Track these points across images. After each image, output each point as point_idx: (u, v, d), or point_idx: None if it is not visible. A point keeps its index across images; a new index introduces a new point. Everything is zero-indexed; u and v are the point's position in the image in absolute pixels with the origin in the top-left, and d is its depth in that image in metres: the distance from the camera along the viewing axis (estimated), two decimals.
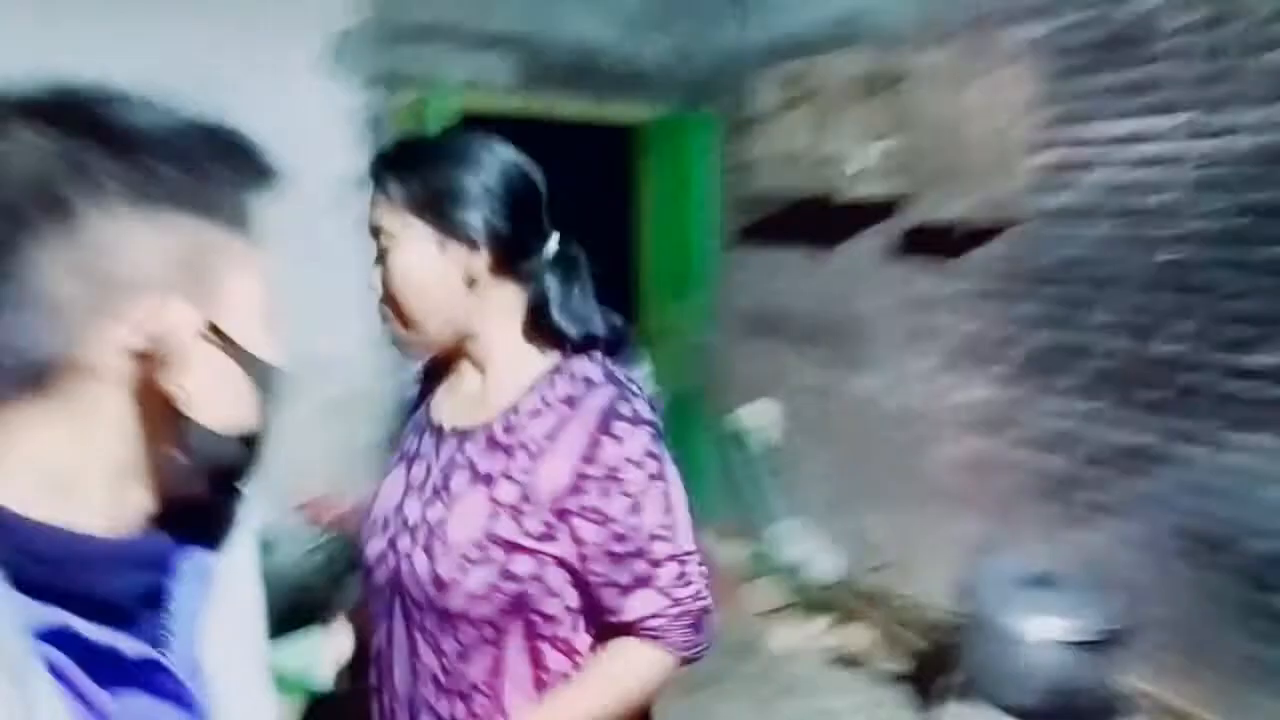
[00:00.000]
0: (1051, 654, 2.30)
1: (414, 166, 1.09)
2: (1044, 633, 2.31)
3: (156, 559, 0.60)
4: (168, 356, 0.55)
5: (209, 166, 0.58)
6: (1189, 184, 2.43)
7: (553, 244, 1.13)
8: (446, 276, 1.07)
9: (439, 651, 1.04)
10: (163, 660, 0.58)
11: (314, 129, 3.51)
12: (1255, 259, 2.32)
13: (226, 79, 2.97)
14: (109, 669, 0.54)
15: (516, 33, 3.92)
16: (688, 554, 1.08)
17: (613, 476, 1.01)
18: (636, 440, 1.03)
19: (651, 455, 1.04)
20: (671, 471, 1.08)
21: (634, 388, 1.09)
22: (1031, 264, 2.86)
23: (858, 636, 3.31)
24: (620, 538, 1.02)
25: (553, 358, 1.10)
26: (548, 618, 1.04)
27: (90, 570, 0.54)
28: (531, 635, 1.04)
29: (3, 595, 0.50)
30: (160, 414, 0.56)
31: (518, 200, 1.08)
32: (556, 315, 1.10)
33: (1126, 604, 2.44)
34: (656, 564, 1.04)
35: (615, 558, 1.02)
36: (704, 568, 1.10)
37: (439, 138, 1.17)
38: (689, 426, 4.18)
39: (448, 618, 1.02)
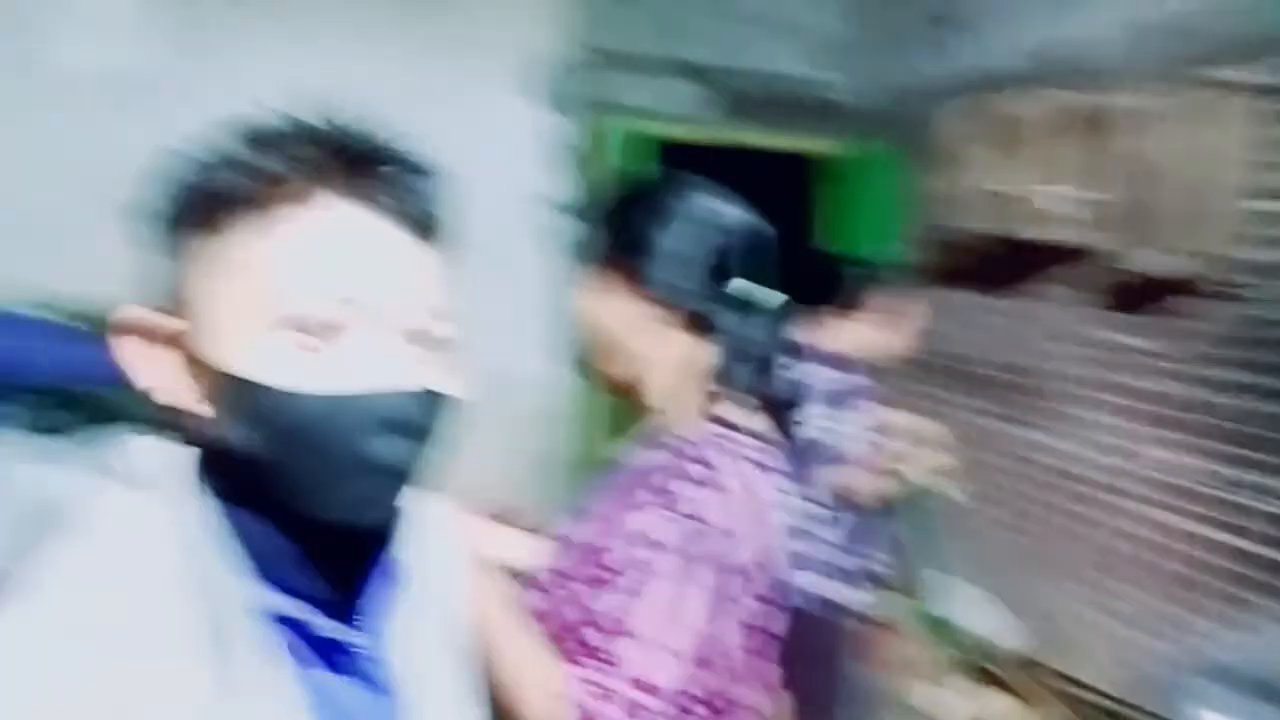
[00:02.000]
0: None
1: (609, 213, 1.11)
2: None
3: (336, 569, 0.62)
4: (181, 367, 0.60)
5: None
6: None
7: (740, 293, 1.08)
8: (614, 323, 1.08)
9: None
10: (351, 640, 0.62)
11: (508, 149, 3.72)
12: None
13: (430, 96, 3.25)
14: (303, 645, 0.60)
15: (708, 62, 4.01)
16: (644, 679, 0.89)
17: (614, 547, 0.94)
18: (658, 515, 0.93)
19: (670, 538, 0.91)
20: (705, 575, 0.91)
21: (759, 455, 1.03)
22: (1239, 324, 2.62)
23: (1009, 707, 3.12)
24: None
25: (709, 409, 1.06)
26: None
27: (294, 570, 0.59)
28: None
29: (230, 580, 0.57)
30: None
31: (706, 253, 1.06)
32: (720, 368, 1.06)
33: None
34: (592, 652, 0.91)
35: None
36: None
37: (633, 183, 1.17)
38: None
39: None
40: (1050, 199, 3.04)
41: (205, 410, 0.58)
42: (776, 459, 1.07)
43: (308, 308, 0.55)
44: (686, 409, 1.06)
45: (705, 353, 1.07)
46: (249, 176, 0.56)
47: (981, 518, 3.53)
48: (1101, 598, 3.05)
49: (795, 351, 1.13)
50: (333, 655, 0.62)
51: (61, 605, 0.52)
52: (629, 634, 0.89)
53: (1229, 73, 2.59)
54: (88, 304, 3.20)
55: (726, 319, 1.07)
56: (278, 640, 0.58)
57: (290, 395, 0.54)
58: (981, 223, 3.30)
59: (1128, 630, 2.92)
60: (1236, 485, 2.62)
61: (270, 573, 0.59)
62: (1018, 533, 3.40)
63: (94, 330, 3.21)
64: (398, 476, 0.58)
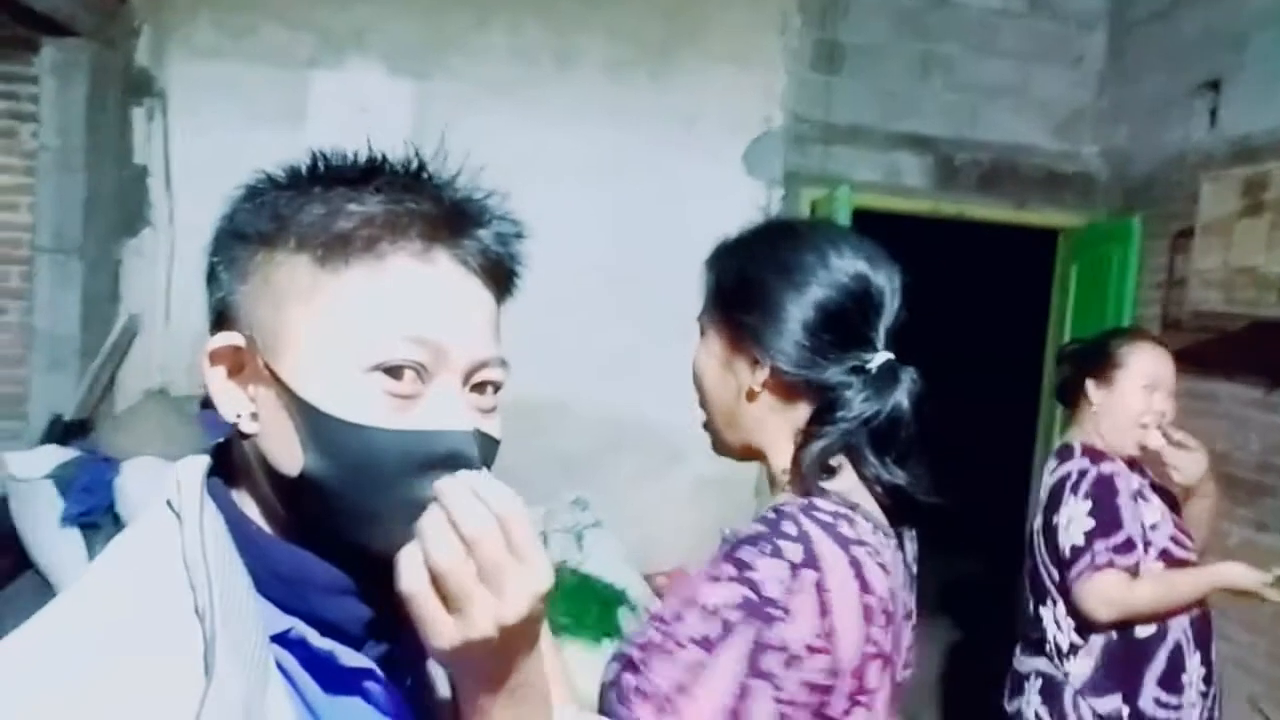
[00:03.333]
0: None
1: (725, 260, 1.02)
2: None
3: (365, 591, 0.61)
4: (240, 386, 0.61)
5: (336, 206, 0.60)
6: None
7: (875, 365, 0.96)
8: (723, 383, 1.00)
9: None
10: (378, 672, 0.62)
11: (730, 222, 3.78)
12: None
13: (658, 169, 3.40)
14: (328, 674, 0.60)
15: (932, 134, 3.90)
16: None
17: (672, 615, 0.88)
18: (725, 587, 0.87)
19: (730, 610, 0.85)
20: (739, 643, 0.84)
21: (868, 538, 0.92)
22: None
23: None
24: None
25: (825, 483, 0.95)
26: None
27: (320, 594, 0.60)
28: None
29: (253, 601, 0.58)
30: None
31: (826, 316, 0.95)
32: (821, 450, 0.94)
33: None
34: None
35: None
36: None
37: (762, 230, 1.06)
38: None
39: None
40: None
41: (279, 437, 0.59)
42: (889, 546, 0.96)
43: (407, 355, 0.57)
44: (803, 481, 0.95)
45: (828, 427, 0.95)
46: (362, 220, 0.58)
47: (1236, 644, 3.07)
48: None
49: (923, 430, 0.98)
50: (360, 683, 0.62)
51: (79, 623, 0.54)
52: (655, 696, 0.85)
53: None
54: None
55: (857, 392, 0.95)
56: (299, 668, 0.59)
57: (378, 432, 0.56)
58: (1237, 303, 2.93)
59: None
60: None
61: (300, 600, 0.60)
62: (1256, 655, 2.92)
63: None
64: None
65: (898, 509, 0.98)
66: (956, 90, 3.89)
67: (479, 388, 0.62)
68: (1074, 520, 1.90)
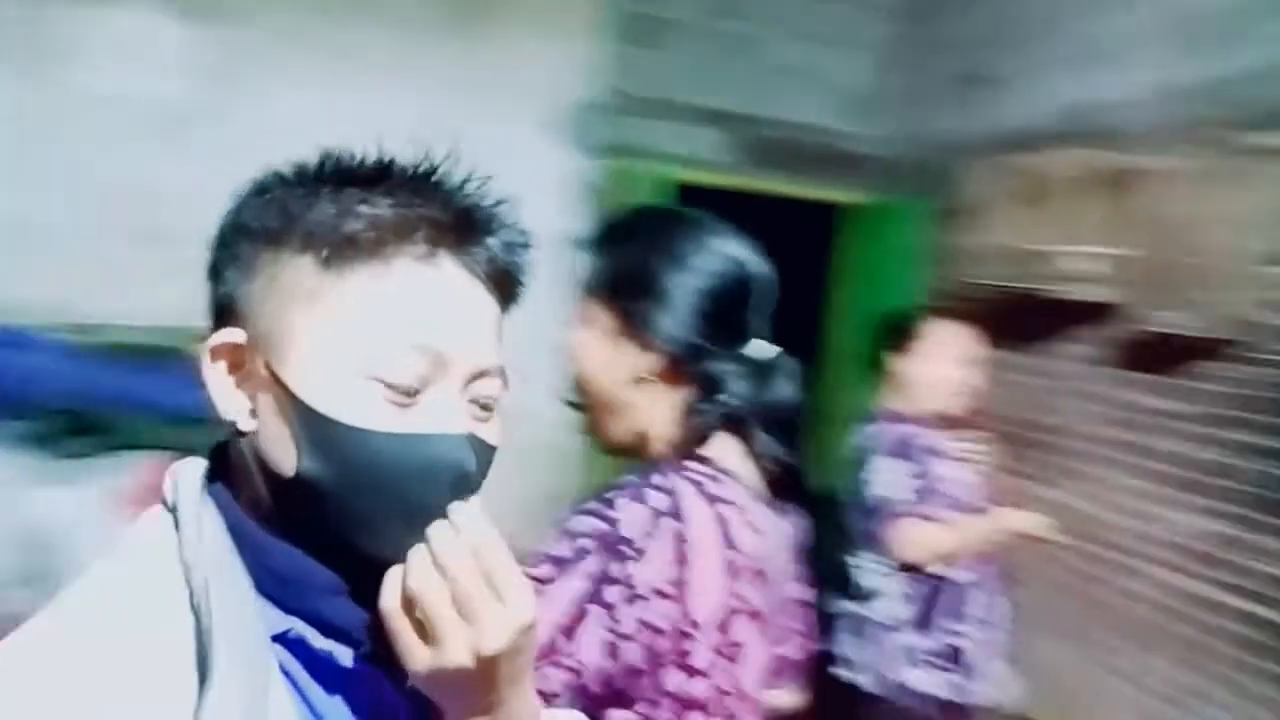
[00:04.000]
0: None
1: (610, 246, 1.03)
2: None
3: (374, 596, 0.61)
4: (239, 383, 0.61)
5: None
6: None
7: (754, 352, 1.00)
8: (612, 370, 0.99)
9: None
10: (379, 673, 0.62)
11: (533, 190, 3.76)
12: None
13: (461, 136, 3.30)
14: (329, 674, 0.61)
15: (736, 111, 4.06)
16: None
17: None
18: (587, 520, 0.91)
19: (586, 539, 0.90)
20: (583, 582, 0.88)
21: (740, 500, 0.96)
22: (1261, 387, 2.59)
23: None
24: None
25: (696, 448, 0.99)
26: None
27: (319, 595, 0.60)
28: None
29: (252, 600, 0.58)
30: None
31: (714, 302, 0.98)
32: (700, 424, 0.97)
33: None
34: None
35: None
36: None
37: (644, 216, 1.08)
38: None
39: None
40: (1074, 257, 3.04)
41: (277, 437, 0.59)
42: (765, 513, 1.00)
43: (409, 364, 0.57)
44: (678, 449, 0.98)
45: (704, 409, 0.98)
46: (370, 223, 0.58)
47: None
48: (1114, 660, 2.98)
49: (800, 410, 1.03)
50: (362, 684, 0.62)
51: (78, 622, 0.54)
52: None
53: (1255, 138, 2.59)
54: (107, 326, 3.28)
55: (733, 375, 0.98)
56: (300, 667, 0.59)
57: (373, 435, 0.56)
58: (1005, 279, 3.29)
59: (1139, 695, 2.85)
60: (1256, 551, 2.57)
61: (300, 600, 0.60)
62: (1033, 594, 3.33)
63: (106, 352, 3.27)
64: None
65: (784, 486, 1.03)
66: (759, 69, 4.07)
67: (477, 402, 0.62)
68: (881, 475, 2.15)
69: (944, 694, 2.14)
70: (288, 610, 0.60)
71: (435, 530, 0.56)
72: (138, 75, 3.31)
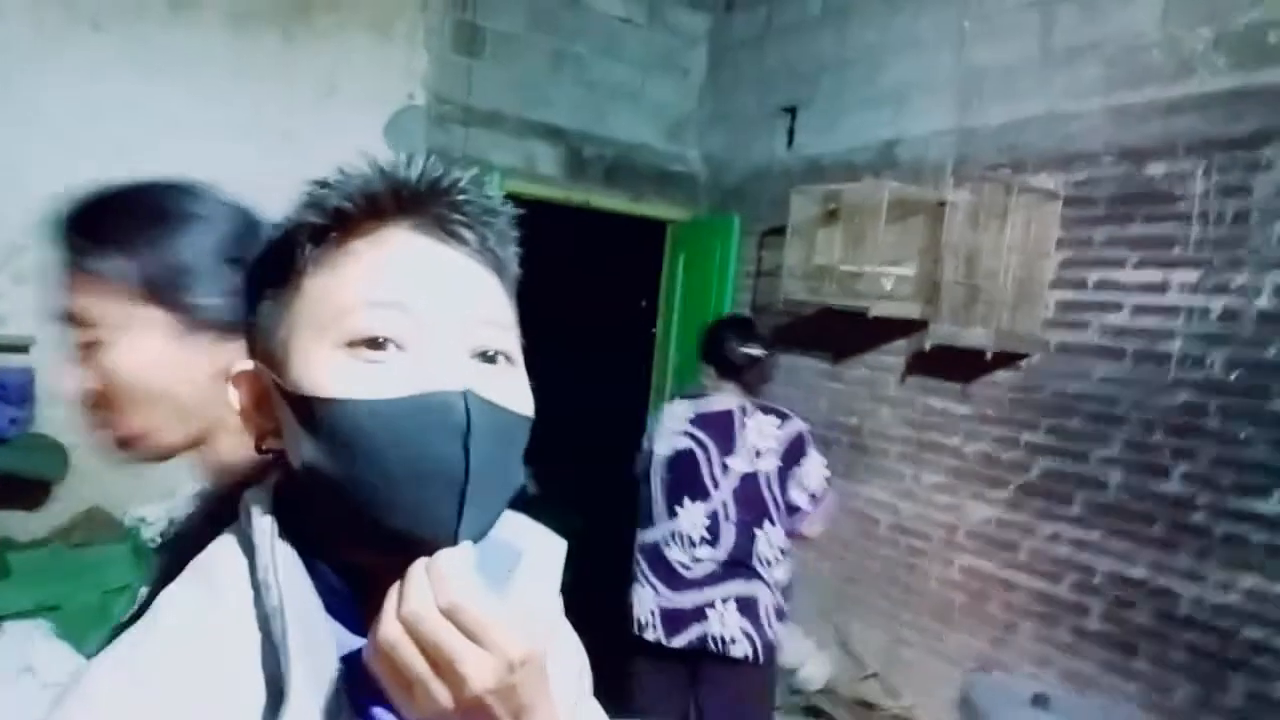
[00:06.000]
0: None
1: (130, 232, 0.85)
2: None
3: None
4: (258, 408, 0.64)
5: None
6: (1201, 336, 2.61)
7: None
8: (189, 372, 0.85)
9: None
10: None
11: None
12: (1265, 411, 2.47)
13: (297, 139, 3.24)
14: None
15: (564, 127, 4.14)
16: None
17: None
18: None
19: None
20: None
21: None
22: (1043, 394, 3.02)
23: None
24: None
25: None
26: None
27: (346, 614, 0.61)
28: None
29: (324, 621, 0.59)
30: None
31: (261, 260, 0.84)
32: None
33: None
34: None
35: None
36: None
37: (139, 190, 0.89)
38: None
39: None
40: (880, 277, 3.38)
41: (290, 444, 0.60)
42: None
43: (372, 321, 0.57)
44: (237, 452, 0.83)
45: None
46: (324, 217, 0.59)
47: (812, 565, 3.78)
48: (925, 639, 3.34)
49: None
50: None
51: (157, 646, 0.56)
52: None
53: (1047, 178, 3.02)
54: None
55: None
56: (358, 681, 0.59)
57: (352, 402, 0.55)
58: (821, 295, 3.60)
59: (949, 668, 3.22)
60: (1038, 534, 2.99)
61: (361, 619, 0.60)
62: (847, 580, 3.67)
63: None
64: (457, 483, 0.56)
65: None
66: (585, 87, 4.17)
67: (486, 357, 0.61)
68: (817, 466, 2.51)
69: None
70: (358, 632, 0.60)
71: (407, 584, 0.54)
72: None
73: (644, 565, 2.53)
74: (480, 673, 0.52)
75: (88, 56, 3.16)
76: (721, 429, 2.49)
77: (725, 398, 2.53)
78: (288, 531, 0.61)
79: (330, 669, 0.56)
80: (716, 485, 2.46)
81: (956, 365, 3.26)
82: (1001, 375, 3.16)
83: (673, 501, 2.49)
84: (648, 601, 2.49)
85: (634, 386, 4.86)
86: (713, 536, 2.44)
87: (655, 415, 2.69)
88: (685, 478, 2.49)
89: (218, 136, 3.27)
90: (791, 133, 4.07)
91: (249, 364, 0.63)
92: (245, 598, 0.58)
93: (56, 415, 3.05)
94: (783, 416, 2.52)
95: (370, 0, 3.64)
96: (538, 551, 0.64)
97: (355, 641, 0.59)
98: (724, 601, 2.43)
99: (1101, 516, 2.82)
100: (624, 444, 4.65)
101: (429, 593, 0.53)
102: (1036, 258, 3.03)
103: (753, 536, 2.45)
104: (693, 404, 2.55)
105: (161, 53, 3.28)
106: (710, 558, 2.44)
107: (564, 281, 5.48)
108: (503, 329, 0.62)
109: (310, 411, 0.56)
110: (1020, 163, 3.11)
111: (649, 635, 2.48)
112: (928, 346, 3.35)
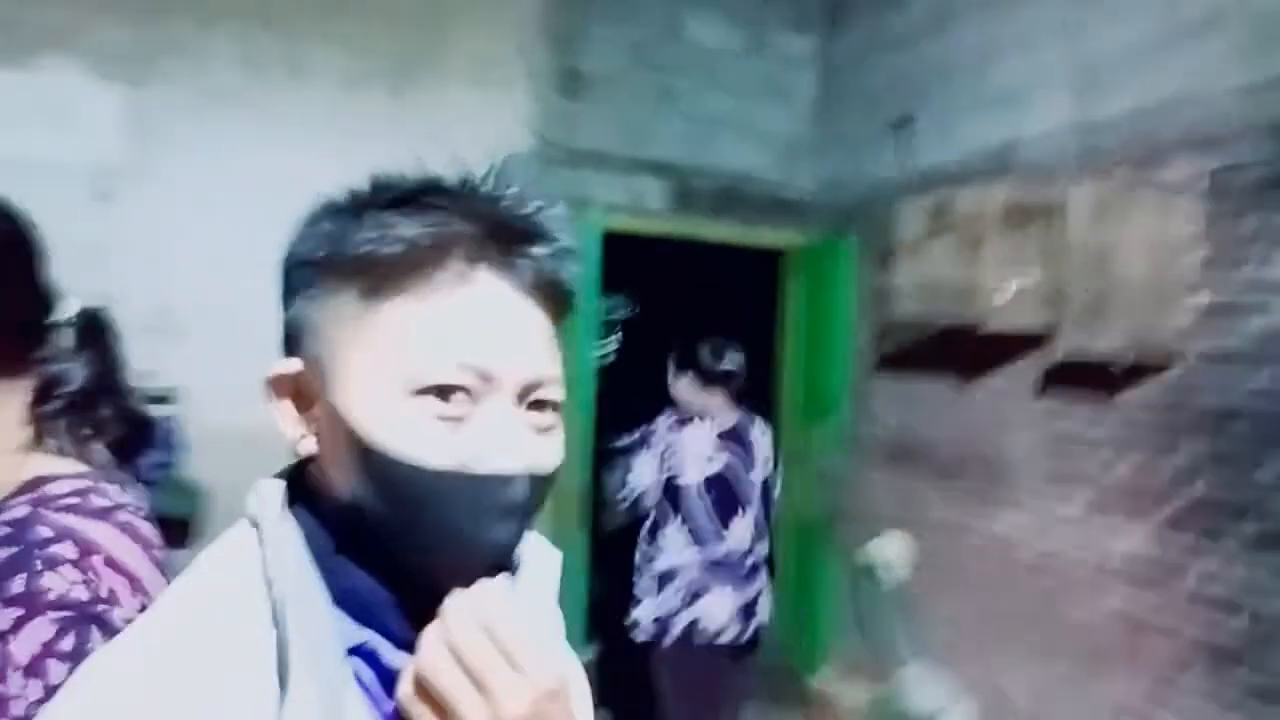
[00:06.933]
0: None
1: None
2: None
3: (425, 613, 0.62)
4: (297, 411, 0.62)
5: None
6: None
7: (67, 312, 0.88)
8: None
9: None
10: None
11: None
12: None
13: None
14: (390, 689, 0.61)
15: (670, 160, 4.14)
16: None
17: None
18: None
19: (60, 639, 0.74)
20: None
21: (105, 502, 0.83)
22: (1188, 411, 2.66)
23: None
24: None
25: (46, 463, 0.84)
26: None
27: (388, 613, 0.61)
28: None
29: (328, 615, 0.59)
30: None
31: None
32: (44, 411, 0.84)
33: None
34: None
35: None
36: None
37: None
38: (816, 556, 4.05)
39: None
40: (1005, 288, 3.12)
41: (332, 461, 0.60)
42: (123, 499, 0.87)
43: (450, 376, 0.57)
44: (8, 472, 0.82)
45: (51, 401, 0.85)
46: (404, 245, 0.57)
47: (948, 603, 3.50)
48: (1070, 684, 2.99)
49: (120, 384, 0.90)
50: None
51: (167, 634, 0.57)
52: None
53: (1181, 167, 2.70)
54: None
55: (67, 356, 0.86)
56: (375, 679, 0.61)
57: (419, 469, 0.56)
58: (940, 312, 3.36)
59: (1098, 717, 2.86)
60: (1201, 573, 2.62)
61: (371, 615, 0.61)
62: (985, 620, 3.36)
63: None
64: (503, 553, 0.60)
65: (124, 460, 0.92)
66: (689, 120, 4.16)
67: (536, 405, 0.61)
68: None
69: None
70: (362, 625, 0.61)
71: (448, 606, 0.57)
72: (70, 138, 3.27)
73: (707, 579, 2.68)
74: (515, 694, 0.54)
75: (219, 128, 3.46)
76: (741, 443, 2.72)
77: (724, 412, 2.72)
78: (305, 523, 0.62)
79: (332, 660, 0.57)
80: (750, 499, 2.71)
81: (1090, 382, 2.95)
82: (1140, 392, 2.82)
83: (724, 519, 2.67)
84: (726, 605, 2.68)
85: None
86: (754, 543, 2.73)
87: (644, 450, 2.72)
88: (727, 496, 2.67)
89: (329, 192, 3.48)
90: (904, 147, 3.87)
91: (294, 364, 0.62)
92: (256, 588, 0.58)
93: (199, 460, 3.30)
94: (765, 420, 2.80)
95: (471, 52, 3.80)
96: (536, 563, 0.68)
97: (361, 635, 0.60)
98: (760, 595, 2.77)
99: (1266, 552, 2.44)
100: None
101: (469, 616, 0.56)
102: (1171, 257, 2.70)
103: (765, 534, 2.80)
104: (705, 425, 2.68)
105: (282, 121, 3.55)
106: (754, 559, 2.74)
107: (683, 314, 5.46)
108: (559, 382, 0.63)
109: (374, 461, 0.57)
110: (1149, 154, 2.80)
111: (724, 638, 2.68)
112: (1056, 360, 3.06)
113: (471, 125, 3.79)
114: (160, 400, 3.41)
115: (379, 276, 0.58)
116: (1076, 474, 3.03)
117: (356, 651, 0.60)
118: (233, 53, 3.46)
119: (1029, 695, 3.15)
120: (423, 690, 0.55)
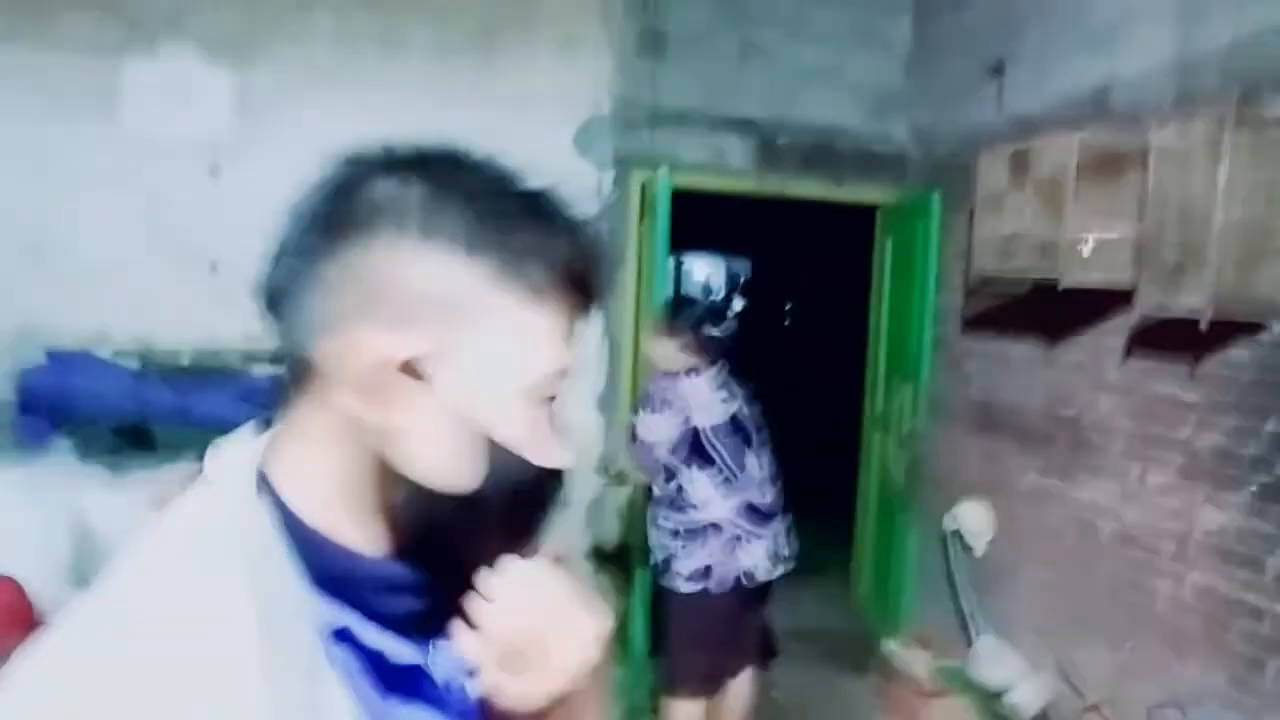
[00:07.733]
0: None
1: None
2: None
3: (416, 586, 0.63)
4: (371, 391, 0.56)
5: (515, 223, 0.60)
6: None
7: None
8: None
9: None
10: (425, 667, 0.65)
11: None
12: None
13: (500, 157, 3.46)
14: (381, 672, 0.61)
15: (755, 117, 4.06)
16: None
17: None
18: None
19: None
20: None
21: None
22: None
23: None
24: None
25: None
26: None
27: (372, 592, 0.61)
28: None
29: (303, 595, 0.57)
30: (374, 452, 0.59)
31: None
32: None
33: None
34: None
35: None
36: None
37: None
38: (896, 520, 3.95)
39: None
40: (1082, 243, 2.90)
41: (425, 443, 0.59)
42: None
43: (555, 387, 0.63)
44: None
45: None
46: (531, 250, 0.60)
47: (1028, 574, 3.35)
48: (1152, 665, 2.80)
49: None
50: (415, 681, 0.64)
51: (127, 604, 0.54)
52: None
53: (1266, 107, 2.44)
54: (168, 349, 3.55)
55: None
56: (354, 661, 0.59)
57: (521, 462, 0.61)
58: (1024, 269, 3.17)
59: (1181, 700, 2.67)
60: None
61: (352, 595, 0.60)
62: (1065, 593, 3.19)
63: (160, 372, 3.54)
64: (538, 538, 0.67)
65: None
66: (775, 74, 4.06)
67: (553, 391, 0.66)
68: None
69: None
70: (342, 605, 0.59)
71: (501, 583, 0.61)
72: (185, 117, 3.58)
73: (745, 524, 2.75)
74: (598, 630, 0.63)
75: (318, 103, 3.68)
76: (734, 384, 2.85)
77: (714, 363, 2.80)
78: (286, 494, 0.59)
79: (300, 638, 0.56)
80: (755, 429, 2.83)
81: (1182, 342, 2.71)
82: (1236, 352, 2.58)
83: (739, 458, 2.75)
84: (763, 548, 2.77)
85: (851, 371, 4.68)
86: (771, 471, 2.85)
87: (646, 405, 2.81)
88: (740, 433, 2.77)
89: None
90: (1000, 92, 3.64)
91: (382, 337, 0.56)
92: (216, 555, 0.55)
93: None
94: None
95: (554, 18, 3.85)
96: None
97: (340, 616, 0.59)
98: (786, 528, 2.88)
99: None
100: (845, 418, 4.63)
101: (527, 582, 0.62)
102: (1269, 205, 2.43)
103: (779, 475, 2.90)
104: (709, 374, 2.77)
105: (377, 92, 3.73)
106: (775, 492, 2.85)
107: (782, 271, 5.36)
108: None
109: (487, 451, 0.60)
110: (1252, 90, 2.53)
111: (760, 577, 2.77)
112: (1147, 319, 2.83)
113: (556, 89, 3.86)
114: (270, 361, 3.73)
115: (506, 275, 0.58)
116: (1163, 441, 2.81)
117: (334, 633, 0.58)
118: (330, 31, 3.66)
119: (1106, 673, 2.97)
120: (486, 643, 0.60)
